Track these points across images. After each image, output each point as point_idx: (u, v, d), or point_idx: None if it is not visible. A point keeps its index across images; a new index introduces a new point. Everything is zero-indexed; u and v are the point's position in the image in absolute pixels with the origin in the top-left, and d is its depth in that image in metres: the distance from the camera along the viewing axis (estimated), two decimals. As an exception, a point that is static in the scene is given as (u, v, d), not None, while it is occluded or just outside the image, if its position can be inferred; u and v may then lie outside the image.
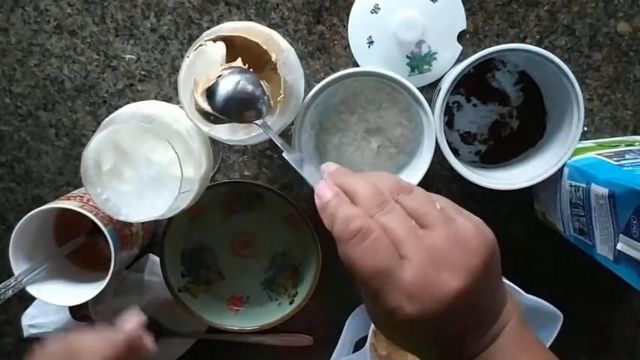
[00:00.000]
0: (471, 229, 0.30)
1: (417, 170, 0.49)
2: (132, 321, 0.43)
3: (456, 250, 0.29)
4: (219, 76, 0.39)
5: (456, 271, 0.28)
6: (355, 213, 0.31)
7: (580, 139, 0.48)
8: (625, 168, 0.44)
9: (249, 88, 0.39)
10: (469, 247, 0.29)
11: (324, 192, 0.33)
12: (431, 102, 0.52)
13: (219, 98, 0.39)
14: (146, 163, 0.41)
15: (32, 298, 0.54)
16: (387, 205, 0.31)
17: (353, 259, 0.30)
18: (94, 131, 0.50)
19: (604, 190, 0.42)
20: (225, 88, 0.39)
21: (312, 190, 0.34)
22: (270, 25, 0.55)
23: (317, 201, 0.33)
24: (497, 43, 0.52)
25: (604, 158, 0.47)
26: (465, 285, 0.28)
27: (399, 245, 0.29)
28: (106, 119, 0.43)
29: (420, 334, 0.31)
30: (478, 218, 0.32)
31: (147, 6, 0.55)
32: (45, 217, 0.50)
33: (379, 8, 0.53)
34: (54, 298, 0.50)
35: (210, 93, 0.39)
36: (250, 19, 0.55)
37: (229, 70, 0.39)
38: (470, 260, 0.29)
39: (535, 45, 0.48)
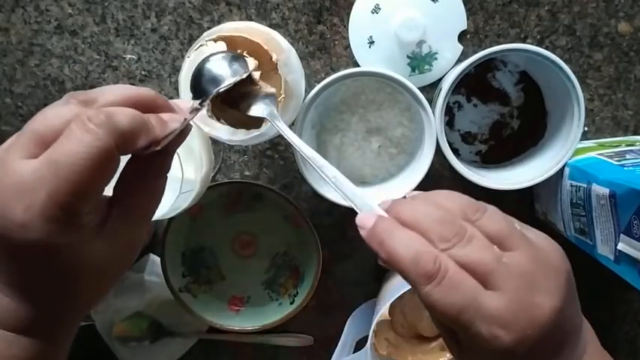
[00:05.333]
0: (547, 245, 0.29)
1: (417, 170, 0.49)
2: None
3: (543, 269, 0.28)
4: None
5: (548, 291, 0.27)
6: (421, 247, 0.27)
7: (581, 139, 0.48)
8: (626, 168, 0.44)
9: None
10: (553, 264, 0.28)
11: (366, 217, 0.30)
12: (431, 102, 0.52)
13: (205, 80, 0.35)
14: (147, 163, 0.41)
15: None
16: (462, 231, 0.27)
17: (431, 301, 0.27)
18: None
19: (605, 190, 0.42)
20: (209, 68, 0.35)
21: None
22: (271, 25, 0.55)
23: (361, 232, 0.30)
24: (498, 43, 0.52)
25: (605, 158, 0.47)
26: (558, 304, 0.27)
27: (486, 278, 0.27)
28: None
29: None
30: (541, 232, 0.30)
31: (147, 6, 0.55)
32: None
33: (380, 8, 0.53)
34: (55, 298, 0.50)
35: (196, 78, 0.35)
36: (251, 19, 0.55)
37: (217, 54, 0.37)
38: (557, 277, 0.28)
39: (536, 45, 0.48)
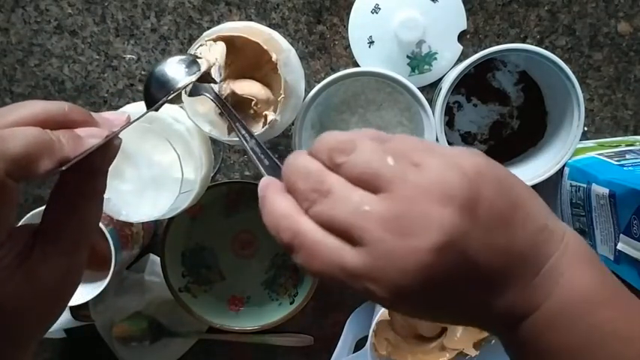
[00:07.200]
0: (439, 169, 0.24)
1: (417, 170, 0.49)
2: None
3: (421, 204, 0.23)
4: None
5: (425, 230, 0.23)
6: (280, 214, 0.25)
7: (580, 139, 0.48)
8: (625, 168, 0.44)
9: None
10: (440, 193, 0.23)
11: (260, 186, 0.27)
12: (431, 102, 0.52)
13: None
14: (147, 163, 0.41)
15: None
16: (319, 185, 0.24)
17: (300, 266, 0.25)
18: (94, 131, 0.50)
19: (604, 190, 0.42)
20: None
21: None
22: (271, 25, 0.55)
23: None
24: (498, 43, 0.52)
25: (604, 158, 0.47)
26: (440, 240, 0.23)
27: (347, 234, 0.24)
28: (107, 119, 0.43)
29: (426, 309, 0.25)
30: (460, 149, 0.26)
31: (147, 6, 0.55)
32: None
33: (380, 8, 0.53)
34: (54, 298, 0.50)
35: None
36: (251, 19, 0.55)
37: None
38: (441, 209, 0.23)
39: (535, 45, 0.48)
